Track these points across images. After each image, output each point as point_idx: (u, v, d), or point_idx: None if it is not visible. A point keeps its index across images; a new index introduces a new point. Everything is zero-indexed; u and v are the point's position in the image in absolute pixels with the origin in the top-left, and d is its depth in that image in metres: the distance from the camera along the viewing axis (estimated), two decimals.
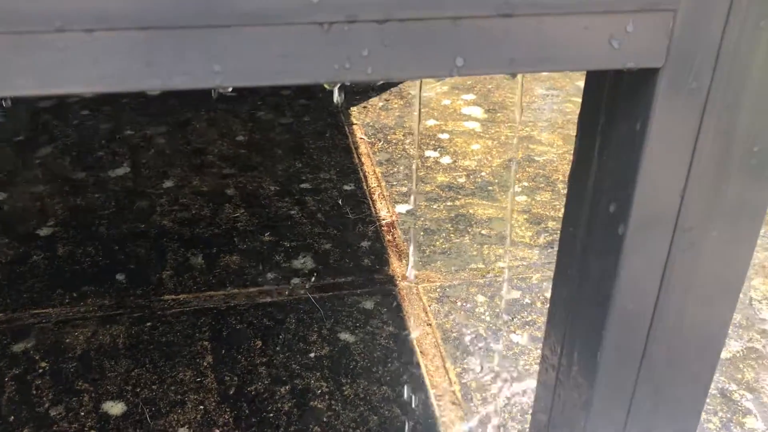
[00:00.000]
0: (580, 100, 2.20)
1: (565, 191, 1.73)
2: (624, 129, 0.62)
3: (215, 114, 2.03)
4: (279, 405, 1.05)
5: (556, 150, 1.81)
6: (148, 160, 1.76)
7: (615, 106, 0.63)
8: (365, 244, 1.43)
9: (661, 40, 0.54)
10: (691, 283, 0.67)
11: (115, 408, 1.05)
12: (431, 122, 1.97)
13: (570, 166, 0.75)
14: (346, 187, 1.65)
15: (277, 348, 1.16)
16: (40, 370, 1.12)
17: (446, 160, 1.76)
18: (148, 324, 1.21)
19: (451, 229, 1.48)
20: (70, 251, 1.41)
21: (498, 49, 0.54)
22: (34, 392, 1.08)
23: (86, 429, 1.01)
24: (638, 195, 0.61)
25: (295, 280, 1.33)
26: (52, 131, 1.92)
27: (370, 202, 1.59)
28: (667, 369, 0.73)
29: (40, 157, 1.78)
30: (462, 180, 1.67)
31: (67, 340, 1.17)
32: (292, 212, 1.55)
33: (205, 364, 1.13)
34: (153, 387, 1.08)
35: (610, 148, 0.65)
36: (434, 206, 1.56)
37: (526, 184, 1.66)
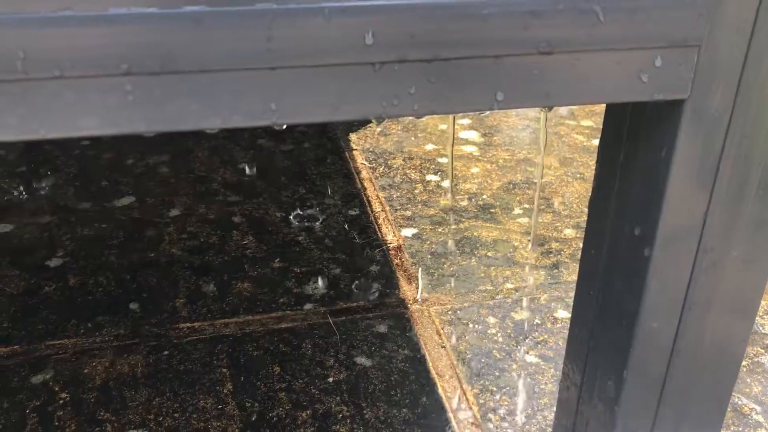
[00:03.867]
0: (572, 122, 2.24)
1: (565, 213, 1.77)
2: (648, 156, 0.65)
3: (216, 142, 2.05)
4: (302, 430, 1.07)
5: (554, 172, 1.85)
6: (152, 188, 1.78)
7: (638, 135, 0.66)
8: (374, 268, 1.46)
9: (686, 73, 0.58)
10: (712, 301, 0.71)
11: None
12: (430, 146, 2.00)
13: (591, 192, 0.78)
14: (351, 212, 1.67)
15: (296, 373, 1.17)
16: (61, 401, 1.12)
17: (447, 183, 1.79)
18: (165, 352, 1.22)
19: (458, 251, 1.51)
20: (81, 281, 1.42)
21: (536, 84, 0.57)
22: (57, 423, 1.08)
23: None
24: (663, 218, 0.65)
25: (308, 306, 1.35)
26: (54, 162, 1.93)
27: (376, 227, 1.61)
28: (689, 386, 0.76)
29: (44, 187, 1.79)
30: (464, 203, 1.70)
31: (86, 371, 1.18)
32: (300, 238, 1.57)
33: (225, 391, 1.14)
34: (175, 415, 1.09)
35: (633, 174, 0.68)
36: (439, 229, 1.59)
37: (526, 206, 1.69)
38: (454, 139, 2.03)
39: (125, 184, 1.79)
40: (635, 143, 0.67)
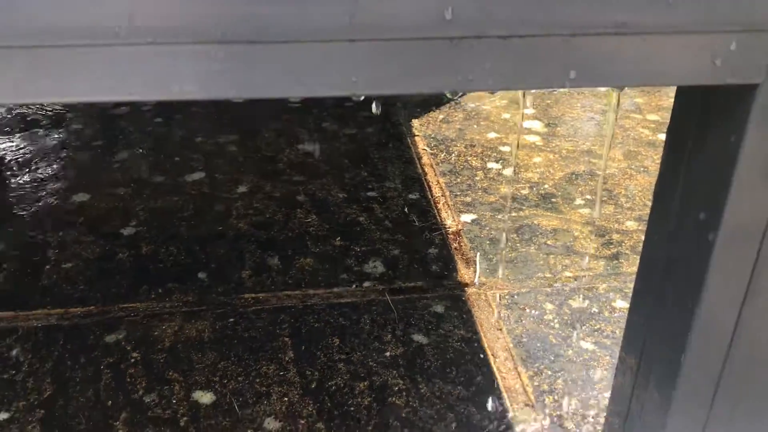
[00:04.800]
0: (638, 116, 2.21)
1: (628, 205, 1.75)
2: (717, 141, 0.65)
3: (282, 124, 2.10)
4: (359, 400, 1.10)
5: (617, 165, 1.84)
6: (221, 166, 1.84)
7: (708, 119, 0.67)
8: (433, 250, 1.48)
9: (761, 58, 0.58)
10: None
11: (204, 397, 1.11)
12: (492, 135, 2.01)
13: (657, 177, 0.79)
14: (411, 196, 1.70)
15: (354, 346, 1.21)
16: (132, 360, 1.19)
17: (508, 172, 1.80)
18: (231, 320, 1.28)
19: (517, 238, 1.52)
20: (153, 250, 1.49)
21: (608, 65, 0.59)
22: (129, 380, 1.15)
23: (179, 416, 1.08)
24: (730, 204, 0.65)
25: (367, 283, 1.38)
26: (128, 137, 2.01)
27: (435, 211, 1.64)
28: (747, 375, 0.76)
29: (119, 161, 1.87)
30: (525, 192, 1.71)
31: (156, 333, 1.25)
32: (361, 219, 1.61)
33: (286, 358, 1.18)
34: (239, 379, 1.14)
35: (701, 159, 0.69)
36: (499, 216, 1.60)
37: (588, 197, 1.69)
38: (520, 128, 2.03)
39: (196, 161, 1.86)
40: (704, 128, 0.68)
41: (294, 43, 0.58)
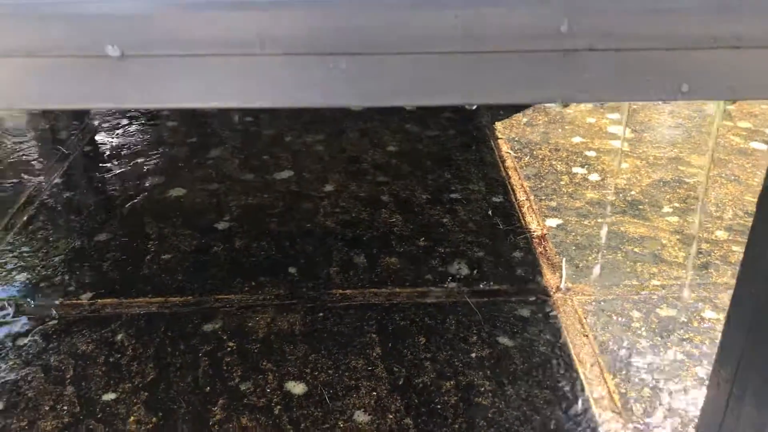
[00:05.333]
0: (728, 123, 2.15)
1: (717, 214, 1.71)
2: None
3: (366, 125, 2.15)
4: (446, 398, 1.13)
5: (707, 173, 1.80)
6: (308, 165, 1.90)
7: None
8: (517, 254, 1.49)
9: None
10: None
11: (296, 388, 1.16)
12: (577, 139, 2.00)
13: (761, 190, 0.78)
14: (495, 199, 1.71)
15: (440, 345, 1.24)
16: (228, 349, 1.25)
17: (594, 177, 1.79)
18: (320, 314, 1.32)
19: (603, 245, 1.51)
20: (246, 244, 1.55)
21: (722, 78, 0.59)
22: (225, 368, 1.20)
23: (273, 404, 1.13)
24: None
25: (452, 284, 1.40)
26: (220, 135, 2.10)
27: (520, 215, 1.64)
28: None
29: (212, 158, 1.95)
30: (611, 197, 1.69)
31: (250, 324, 1.30)
32: (444, 220, 1.63)
33: (374, 354, 1.22)
34: (329, 371, 1.19)
35: None
36: (585, 222, 1.60)
37: (677, 204, 1.66)
38: (602, 133, 2.02)
39: (284, 159, 1.92)
40: None
41: (413, 55, 0.61)
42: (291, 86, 0.62)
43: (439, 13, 0.57)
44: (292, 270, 1.46)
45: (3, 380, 1.19)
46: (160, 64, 0.60)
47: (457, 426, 1.08)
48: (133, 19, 0.58)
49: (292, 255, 1.51)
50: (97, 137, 2.09)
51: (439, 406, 1.11)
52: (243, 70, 0.61)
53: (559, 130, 2.07)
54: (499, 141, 2.02)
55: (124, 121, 2.19)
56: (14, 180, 1.85)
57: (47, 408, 1.13)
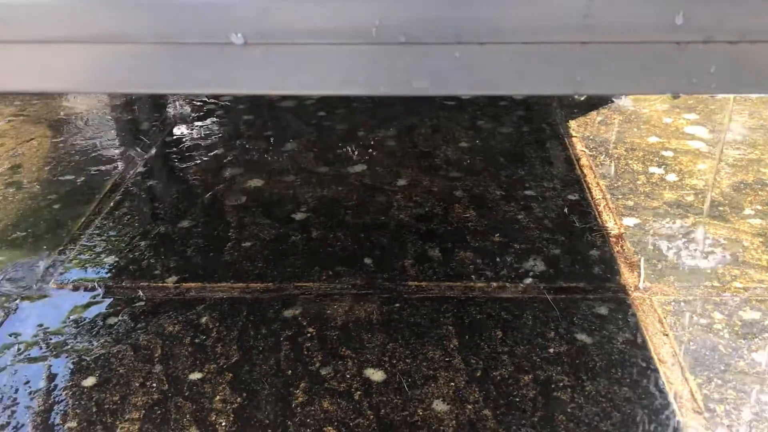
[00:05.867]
0: None
1: None
2: None
3: (438, 121, 2.16)
4: (524, 391, 1.13)
5: None
6: (381, 159, 1.92)
7: None
8: (594, 252, 1.48)
9: None
10: None
11: (375, 375, 1.18)
12: (653, 139, 1.97)
13: None
14: (570, 197, 1.70)
15: (517, 340, 1.24)
16: (308, 335, 1.28)
17: (672, 177, 1.76)
18: (397, 305, 1.34)
19: (682, 245, 1.49)
20: (322, 235, 1.58)
21: None
22: (306, 353, 1.24)
23: (353, 390, 1.15)
24: None
25: (528, 280, 1.40)
26: (294, 128, 2.14)
27: (596, 213, 1.63)
28: None
29: (287, 151, 1.99)
30: (690, 198, 1.66)
31: (328, 312, 1.33)
32: (519, 216, 1.63)
33: (451, 346, 1.23)
34: (407, 360, 1.20)
35: None
36: (663, 222, 1.58)
37: (759, 207, 1.62)
38: (679, 134, 1.98)
39: (357, 153, 1.95)
40: None
41: (524, 44, 0.62)
42: (404, 74, 0.64)
43: (558, 3, 0.58)
44: (367, 261, 1.48)
45: (95, 356, 1.25)
46: (281, 51, 0.63)
47: (536, 419, 1.08)
48: (257, 9, 0.61)
49: (368, 246, 1.53)
50: (177, 129, 2.16)
51: (517, 399, 1.12)
52: (359, 58, 0.63)
53: (635, 129, 2.04)
54: (573, 139, 2.01)
55: (202, 114, 2.26)
56: (100, 167, 1.93)
57: (137, 384, 1.18)
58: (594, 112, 2.18)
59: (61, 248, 1.56)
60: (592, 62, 0.62)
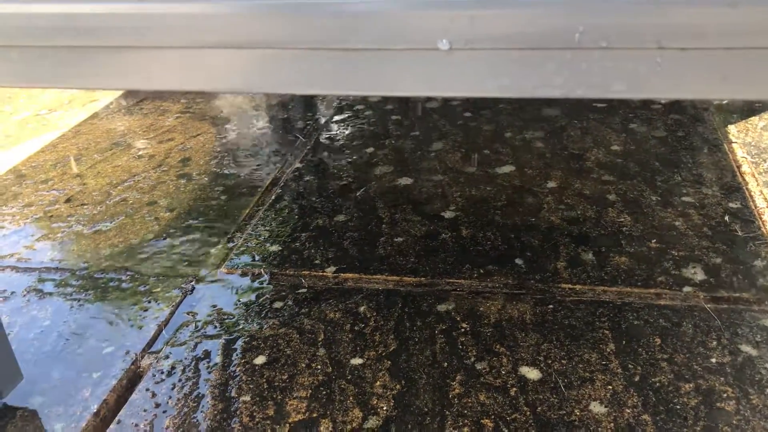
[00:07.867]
0: None
1: None
2: None
3: (588, 123, 2.13)
4: (685, 399, 1.11)
5: None
6: (529, 160, 1.92)
7: None
8: (759, 263, 1.42)
9: None
10: None
11: (531, 373, 1.20)
12: None
13: None
14: (731, 205, 1.64)
15: (677, 348, 1.22)
16: (462, 330, 1.31)
17: None
18: (550, 306, 1.35)
19: None
20: (472, 233, 1.61)
21: None
22: (460, 347, 1.27)
23: (508, 386, 1.18)
24: None
25: (687, 288, 1.37)
26: (441, 129, 2.18)
27: (760, 223, 1.56)
28: None
29: (435, 150, 2.04)
30: None
31: (481, 309, 1.36)
32: (677, 223, 1.59)
33: (607, 350, 1.23)
34: (562, 361, 1.21)
35: None
36: None
37: None
38: None
39: (505, 154, 1.97)
40: None
41: (726, 50, 0.63)
42: (602, 78, 0.66)
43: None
44: (518, 261, 1.50)
45: (264, 337, 1.34)
46: (483, 57, 0.67)
47: (698, 428, 1.06)
48: (467, 17, 0.65)
49: (518, 247, 1.55)
50: (330, 127, 2.26)
51: (678, 407, 1.10)
52: (559, 62, 0.66)
53: None
54: (733, 145, 1.92)
55: (353, 114, 2.35)
56: (260, 163, 2.06)
57: (303, 365, 1.26)
58: (755, 117, 2.08)
59: (229, 236, 1.69)
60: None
